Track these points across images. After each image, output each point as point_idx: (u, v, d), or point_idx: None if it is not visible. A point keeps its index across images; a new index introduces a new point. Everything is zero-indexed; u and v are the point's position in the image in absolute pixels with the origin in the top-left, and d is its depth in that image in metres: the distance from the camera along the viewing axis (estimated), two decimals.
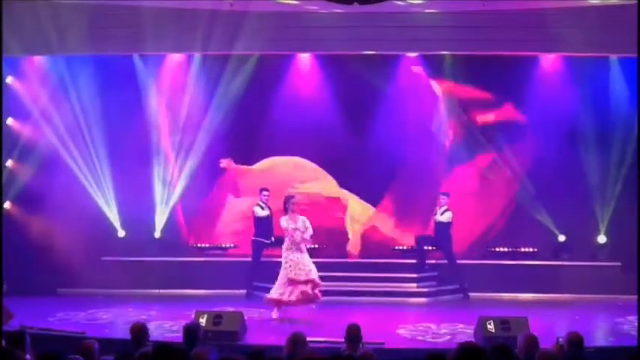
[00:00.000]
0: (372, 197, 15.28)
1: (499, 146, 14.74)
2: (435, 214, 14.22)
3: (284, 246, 11.71)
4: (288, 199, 11.80)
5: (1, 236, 11.36)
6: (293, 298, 11.48)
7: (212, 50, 13.88)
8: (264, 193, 14.07)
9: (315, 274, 11.54)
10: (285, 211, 11.73)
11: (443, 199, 14.18)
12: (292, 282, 11.44)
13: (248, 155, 15.21)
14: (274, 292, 11.60)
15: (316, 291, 11.53)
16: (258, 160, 15.31)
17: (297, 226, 11.55)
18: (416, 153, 14.91)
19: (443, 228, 14.11)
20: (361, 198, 15.32)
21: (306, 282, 11.45)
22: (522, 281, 14.15)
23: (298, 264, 11.47)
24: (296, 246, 11.52)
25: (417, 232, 14.76)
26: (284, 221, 11.63)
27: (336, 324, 11.15)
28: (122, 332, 10.06)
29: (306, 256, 11.64)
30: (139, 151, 14.71)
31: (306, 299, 11.54)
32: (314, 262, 11.75)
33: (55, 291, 14.27)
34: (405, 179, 14.98)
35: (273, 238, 14.03)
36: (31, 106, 14.38)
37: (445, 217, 14.04)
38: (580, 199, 14.41)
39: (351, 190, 15.32)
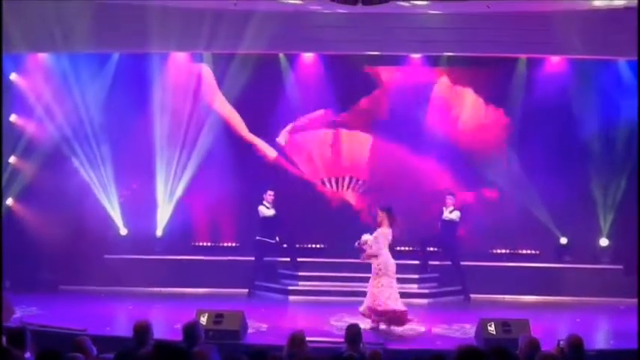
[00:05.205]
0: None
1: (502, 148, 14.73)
2: (443, 213, 14.21)
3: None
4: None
5: (1, 233, 11.37)
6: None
7: (216, 49, 13.90)
8: (269, 192, 14.08)
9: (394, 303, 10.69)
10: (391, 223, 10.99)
11: (450, 199, 14.17)
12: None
13: (251, 152, 15.21)
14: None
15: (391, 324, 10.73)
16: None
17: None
18: (420, 153, 14.94)
19: (451, 227, 14.09)
20: None
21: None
22: (524, 283, 14.13)
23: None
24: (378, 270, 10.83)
25: (420, 233, 14.72)
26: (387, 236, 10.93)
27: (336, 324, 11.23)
28: (124, 330, 10.07)
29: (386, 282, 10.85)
30: (142, 148, 14.70)
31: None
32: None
33: (57, 288, 14.29)
34: (409, 180, 15.01)
35: (277, 238, 14.05)
36: (35, 103, 14.38)
37: (454, 214, 14.04)
38: (582, 202, 14.38)
39: None
